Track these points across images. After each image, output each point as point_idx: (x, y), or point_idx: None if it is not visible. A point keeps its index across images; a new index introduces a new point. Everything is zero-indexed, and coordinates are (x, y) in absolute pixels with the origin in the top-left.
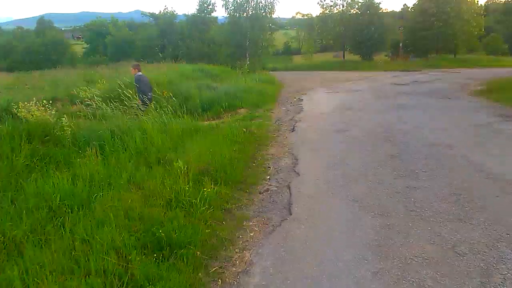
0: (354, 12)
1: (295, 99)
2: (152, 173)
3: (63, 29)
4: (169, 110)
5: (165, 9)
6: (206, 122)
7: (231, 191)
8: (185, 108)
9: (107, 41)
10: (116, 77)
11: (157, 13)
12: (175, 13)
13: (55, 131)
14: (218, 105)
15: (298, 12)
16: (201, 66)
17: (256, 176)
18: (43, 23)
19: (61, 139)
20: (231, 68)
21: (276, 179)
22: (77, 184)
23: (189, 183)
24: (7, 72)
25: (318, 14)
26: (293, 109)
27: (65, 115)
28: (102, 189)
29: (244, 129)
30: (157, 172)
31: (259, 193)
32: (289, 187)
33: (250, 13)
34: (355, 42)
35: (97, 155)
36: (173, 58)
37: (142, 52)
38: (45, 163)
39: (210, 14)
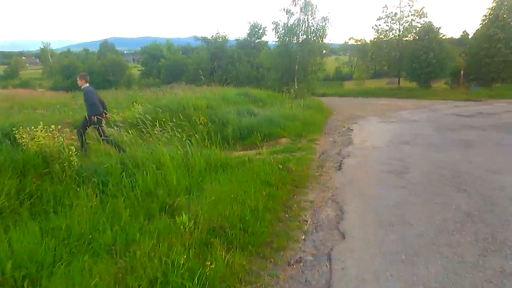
0: (411, 37)
1: (344, 129)
2: (148, 229)
3: (125, 52)
4: (198, 138)
5: (217, 33)
6: (241, 153)
7: (248, 261)
8: (219, 136)
9: (160, 64)
10: (156, 99)
11: (209, 37)
12: (226, 37)
13: (56, 162)
14: (257, 133)
15: (351, 38)
16: (245, 90)
17: (287, 235)
18: (106, 46)
19: (62, 173)
20: (278, 92)
21: (314, 240)
22: (44, 243)
23: (189, 250)
24: (67, 91)
25: (372, 39)
26: (341, 140)
27: (74, 144)
28: (75, 252)
29: (280, 166)
30: (155, 228)
31: (288, 265)
32: (329, 258)
33: (301, 37)
34: (411, 68)
35: (96, 195)
36: (221, 81)
37: (192, 75)
38: (31, 203)
39: (260, 39)
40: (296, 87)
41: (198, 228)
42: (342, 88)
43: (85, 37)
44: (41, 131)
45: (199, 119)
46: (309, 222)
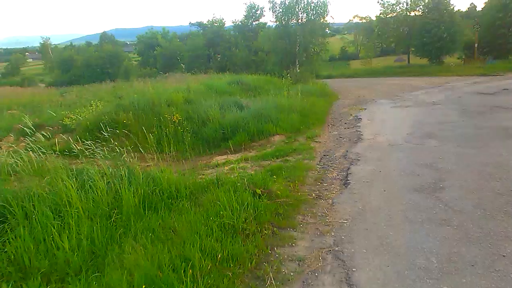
0: (420, 11)
1: (351, 117)
2: None
3: (128, 43)
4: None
5: (213, 17)
6: (220, 158)
7: None
8: (190, 139)
9: (156, 53)
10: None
11: (205, 22)
12: (223, 21)
13: None
14: (244, 131)
15: (356, 16)
16: (239, 77)
17: None
18: (105, 38)
19: None
20: (278, 77)
21: None
22: None
23: None
24: (64, 86)
25: (378, 15)
26: (347, 134)
27: None
28: None
29: (260, 191)
30: None
31: None
32: None
33: (300, 16)
34: (421, 43)
35: None
36: (219, 68)
37: (189, 64)
38: None
39: (259, 20)
40: (298, 70)
41: None
42: (348, 68)
43: (89, 30)
44: None
45: (173, 118)
46: None
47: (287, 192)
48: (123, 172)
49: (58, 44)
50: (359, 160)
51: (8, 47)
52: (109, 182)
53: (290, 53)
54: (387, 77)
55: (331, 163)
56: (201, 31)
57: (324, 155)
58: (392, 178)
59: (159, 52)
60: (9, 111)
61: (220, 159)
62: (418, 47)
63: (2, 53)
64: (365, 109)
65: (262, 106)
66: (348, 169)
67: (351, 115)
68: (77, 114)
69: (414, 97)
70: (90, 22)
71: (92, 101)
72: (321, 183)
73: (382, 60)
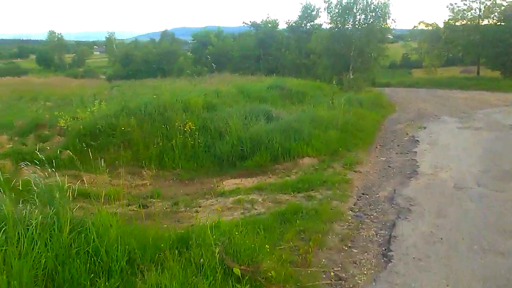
0: (494, 19)
1: (406, 138)
2: None
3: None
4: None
5: (267, 18)
6: (231, 183)
7: None
8: (209, 153)
9: (208, 52)
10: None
11: (259, 22)
12: (277, 21)
13: None
14: (267, 149)
15: (421, 22)
16: (282, 80)
17: None
18: (166, 36)
19: None
20: (329, 83)
21: None
22: None
23: None
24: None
25: (446, 20)
26: (399, 163)
27: None
28: None
29: (239, 271)
30: None
31: None
32: None
33: (358, 17)
34: (494, 54)
35: None
36: (267, 70)
37: (238, 64)
38: None
39: (313, 21)
40: (351, 76)
41: None
42: (410, 77)
43: (154, 28)
44: None
45: (184, 126)
46: None
47: (287, 271)
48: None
49: (124, 39)
50: (410, 211)
51: (80, 40)
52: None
53: (344, 57)
54: (453, 89)
55: (370, 210)
56: (254, 31)
57: (363, 194)
58: (460, 256)
59: (211, 51)
60: (47, 103)
61: (230, 184)
62: (490, 57)
63: (74, 45)
64: (425, 127)
65: (295, 117)
66: (393, 226)
67: (407, 134)
68: (73, 116)
69: (486, 116)
70: (156, 20)
71: (95, 101)
72: (349, 248)
73: (446, 70)
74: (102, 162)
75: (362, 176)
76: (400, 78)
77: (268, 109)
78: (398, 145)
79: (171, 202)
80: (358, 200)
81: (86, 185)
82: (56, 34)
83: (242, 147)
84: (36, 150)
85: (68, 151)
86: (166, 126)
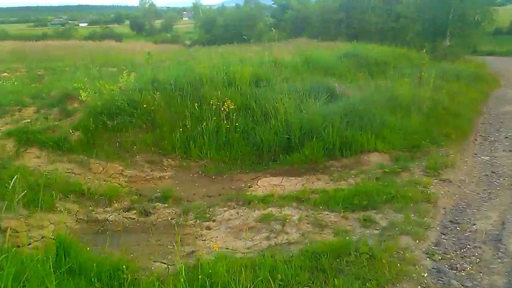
0: None
1: None
2: None
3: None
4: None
5: None
6: (265, 185)
7: None
8: (247, 141)
9: (286, 16)
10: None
11: None
12: None
13: None
14: (320, 140)
15: None
16: (359, 47)
17: None
18: (250, 0)
19: None
20: (419, 51)
21: None
22: None
23: None
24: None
25: None
26: (508, 169)
27: None
28: None
29: None
30: None
31: None
32: None
33: None
34: None
35: None
36: (349, 35)
37: (318, 28)
38: None
39: None
40: (448, 43)
41: None
42: None
43: None
44: None
45: (222, 105)
46: None
47: None
48: None
49: (212, 5)
50: None
51: (170, 6)
52: None
53: (440, 20)
54: None
55: (461, 259)
56: None
57: (451, 223)
58: None
59: (290, 15)
60: (111, 69)
61: (265, 185)
62: None
63: (165, 11)
64: None
65: (364, 97)
66: None
67: None
68: (94, 89)
69: None
70: None
71: (124, 71)
72: None
73: None
74: (117, 146)
75: (453, 189)
76: (508, 46)
77: (331, 84)
78: (506, 137)
79: (181, 209)
80: (442, 235)
81: (89, 176)
82: (147, 0)
83: (289, 135)
84: (45, 128)
85: (79, 131)
86: (199, 105)
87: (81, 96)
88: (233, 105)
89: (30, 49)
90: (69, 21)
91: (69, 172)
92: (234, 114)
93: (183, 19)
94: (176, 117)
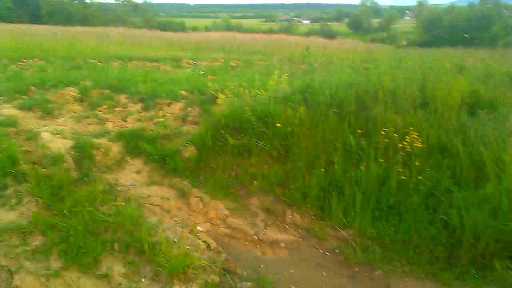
0: None
1: None
2: None
3: None
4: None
5: None
6: None
7: None
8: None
9: None
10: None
11: None
12: None
13: None
14: None
15: None
16: None
17: None
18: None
19: None
20: None
21: None
22: None
23: None
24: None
25: None
26: None
27: None
28: None
29: None
30: None
31: None
32: None
33: None
34: None
35: None
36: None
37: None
38: None
39: None
40: None
41: None
42: None
43: None
44: None
45: (402, 139)
46: None
47: None
48: None
49: (441, 4)
50: None
51: (393, 5)
52: None
53: None
54: None
55: None
56: None
57: None
58: None
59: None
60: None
61: None
62: None
63: (387, 10)
64: None
65: None
66: None
67: None
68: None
69: None
70: None
71: (276, 71)
72: None
73: None
74: (233, 176)
75: None
76: None
77: None
78: None
79: None
80: None
81: (177, 217)
82: None
83: None
84: (160, 136)
85: (193, 147)
86: (363, 133)
87: (218, 99)
88: (421, 142)
89: (241, 41)
90: (294, 18)
91: (163, 201)
92: (420, 159)
93: (405, 18)
94: (322, 147)
